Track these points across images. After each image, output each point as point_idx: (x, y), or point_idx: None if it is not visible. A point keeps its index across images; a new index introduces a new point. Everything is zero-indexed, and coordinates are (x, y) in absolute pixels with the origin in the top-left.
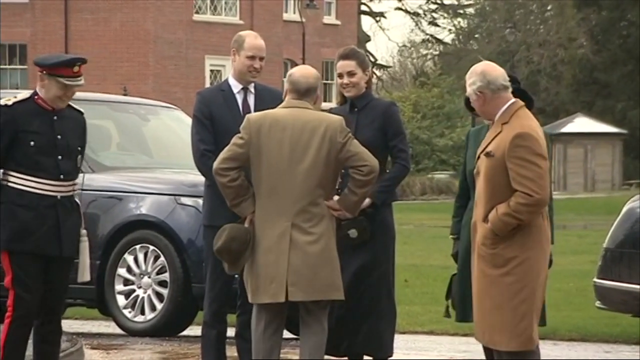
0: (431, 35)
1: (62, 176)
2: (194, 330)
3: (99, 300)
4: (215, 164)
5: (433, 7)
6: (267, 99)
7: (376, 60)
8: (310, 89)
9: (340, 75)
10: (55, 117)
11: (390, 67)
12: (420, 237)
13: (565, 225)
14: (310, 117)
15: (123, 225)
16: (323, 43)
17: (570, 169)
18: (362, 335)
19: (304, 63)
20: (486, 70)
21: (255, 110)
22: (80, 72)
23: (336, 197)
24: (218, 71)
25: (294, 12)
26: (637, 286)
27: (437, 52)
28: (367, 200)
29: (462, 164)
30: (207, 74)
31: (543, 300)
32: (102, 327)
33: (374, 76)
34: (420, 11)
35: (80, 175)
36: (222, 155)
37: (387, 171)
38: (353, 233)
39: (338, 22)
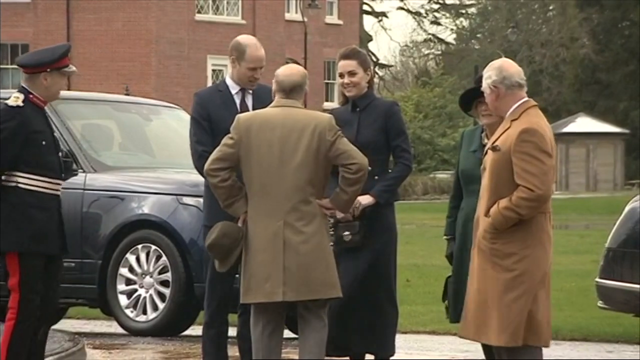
0: (433, 35)
1: (62, 174)
2: (196, 330)
3: (101, 299)
4: (206, 165)
5: (435, 6)
6: (265, 98)
7: (378, 60)
8: (295, 86)
9: (341, 75)
10: (46, 115)
11: (392, 66)
12: (422, 237)
13: (567, 225)
14: (300, 116)
15: (125, 224)
16: (325, 43)
17: (572, 169)
18: (364, 334)
19: (305, 63)
20: (503, 66)
21: (254, 110)
22: None
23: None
24: (220, 71)
25: (296, 12)
26: (639, 286)
27: (439, 52)
28: (370, 199)
29: (456, 164)
30: (209, 73)
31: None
32: (104, 327)
33: (376, 76)
34: (422, 11)
35: (83, 174)
36: (213, 155)
37: (390, 171)
38: (347, 236)
39: (340, 22)
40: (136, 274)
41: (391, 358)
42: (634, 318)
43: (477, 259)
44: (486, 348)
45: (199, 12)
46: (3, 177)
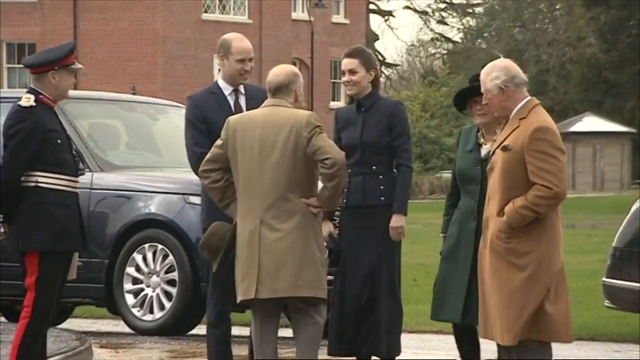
0: (440, 34)
1: (78, 172)
2: (202, 329)
3: (108, 299)
4: (200, 167)
5: (442, 6)
6: (258, 98)
7: (385, 59)
8: (279, 86)
9: (343, 73)
10: (56, 114)
11: (398, 65)
12: (429, 236)
13: (574, 224)
14: (282, 115)
15: (132, 224)
16: (332, 42)
17: (579, 168)
18: (369, 334)
19: (312, 62)
20: (508, 65)
21: (248, 110)
22: None
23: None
24: None
25: (303, 11)
26: None
27: (445, 51)
28: (401, 218)
29: (453, 162)
30: (216, 73)
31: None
32: (111, 326)
33: (382, 75)
34: (429, 10)
35: (89, 174)
36: (205, 157)
37: (395, 170)
38: (327, 251)
39: (347, 21)
40: (143, 273)
41: (397, 358)
42: None
43: (489, 259)
44: (499, 346)
45: (205, 11)
46: (22, 178)
